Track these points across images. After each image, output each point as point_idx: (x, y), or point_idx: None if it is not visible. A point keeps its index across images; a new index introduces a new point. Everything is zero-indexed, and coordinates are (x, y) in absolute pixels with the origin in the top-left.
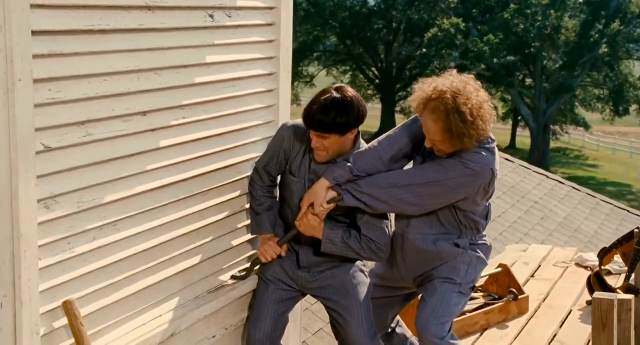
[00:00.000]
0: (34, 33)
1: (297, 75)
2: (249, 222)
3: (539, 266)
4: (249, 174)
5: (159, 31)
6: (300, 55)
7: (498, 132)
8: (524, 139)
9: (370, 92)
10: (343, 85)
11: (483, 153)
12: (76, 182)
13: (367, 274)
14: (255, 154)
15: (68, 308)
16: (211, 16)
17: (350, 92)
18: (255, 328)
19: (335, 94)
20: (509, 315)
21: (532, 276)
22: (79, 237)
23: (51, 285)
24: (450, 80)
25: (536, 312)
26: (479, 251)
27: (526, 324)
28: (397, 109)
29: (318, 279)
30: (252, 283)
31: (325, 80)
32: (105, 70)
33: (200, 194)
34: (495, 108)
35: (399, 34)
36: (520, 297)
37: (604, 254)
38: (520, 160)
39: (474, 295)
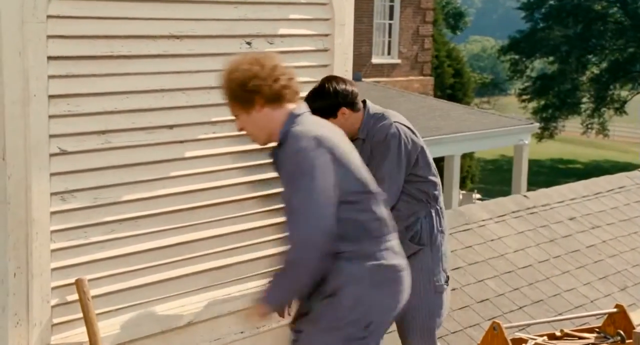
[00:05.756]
0: (51, 58)
1: (602, 100)
2: None
3: None
4: None
5: (185, 57)
6: (610, 76)
7: None
8: None
9: None
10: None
11: None
12: (93, 180)
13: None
14: None
15: (79, 285)
16: (248, 43)
17: (330, 79)
18: None
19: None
20: None
21: None
22: (95, 227)
23: (64, 264)
24: None
25: None
26: None
27: None
28: None
29: None
30: None
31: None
32: (125, 89)
33: (236, 201)
34: None
35: None
36: (630, 340)
37: None
38: None
39: (585, 335)
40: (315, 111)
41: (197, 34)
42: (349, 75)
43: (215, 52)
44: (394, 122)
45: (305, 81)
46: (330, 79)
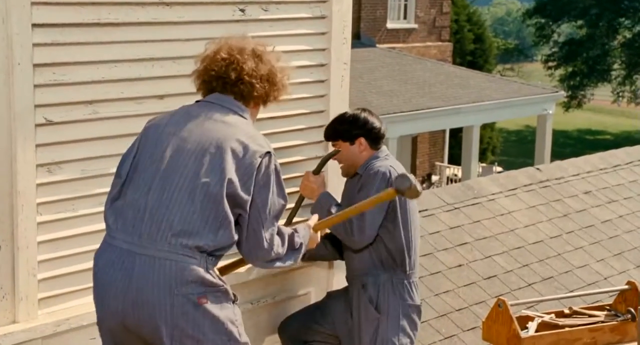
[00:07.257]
0: (35, 25)
1: (634, 66)
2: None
3: None
4: (289, 159)
5: (175, 24)
6: None
7: None
8: None
9: None
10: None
11: None
12: (80, 152)
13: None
14: (302, 134)
15: None
16: (242, 10)
17: (365, 110)
18: (285, 323)
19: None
20: (626, 336)
21: None
22: (83, 200)
23: (51, 237)
24: None
25: None
26: None
27: None
28: None
29: None
30: None
31: None
32: (113, 58)
33: None
34: None
35: None
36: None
37: None
38: None
39: (594, 313)
40: (337, 132)
41: (187, 0)
42: (347, 44)
43: (206, 20)
44: (390, 165)
45: (302, 50)
46: (366, 110)
